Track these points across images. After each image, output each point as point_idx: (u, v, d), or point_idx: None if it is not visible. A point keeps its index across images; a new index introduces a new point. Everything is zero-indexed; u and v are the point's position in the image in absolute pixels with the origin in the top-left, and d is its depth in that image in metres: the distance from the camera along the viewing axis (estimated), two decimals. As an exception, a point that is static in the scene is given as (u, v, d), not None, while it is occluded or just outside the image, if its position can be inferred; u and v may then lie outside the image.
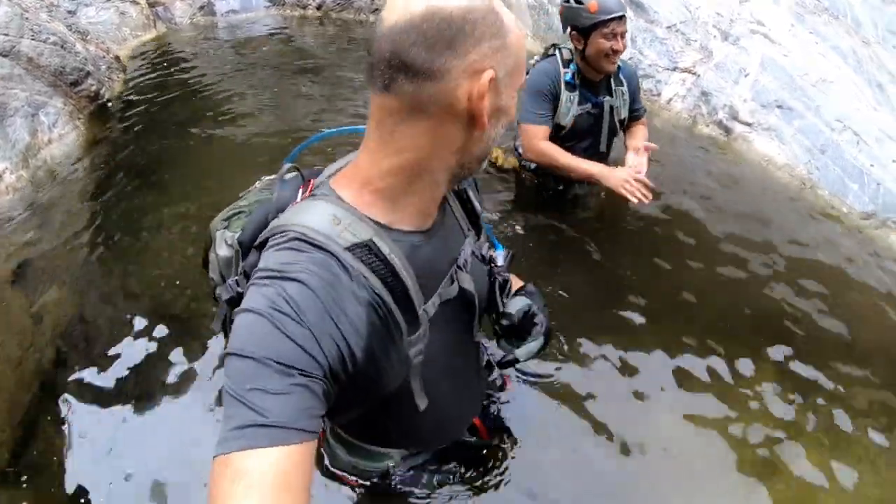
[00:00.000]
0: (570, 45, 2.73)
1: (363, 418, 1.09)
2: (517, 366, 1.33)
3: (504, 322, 1.20)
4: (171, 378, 2.20)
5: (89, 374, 2.23)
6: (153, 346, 2.34)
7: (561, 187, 3.04)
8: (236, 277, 1.03)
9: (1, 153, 3.42)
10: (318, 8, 6.69)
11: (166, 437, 1.99)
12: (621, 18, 2.53)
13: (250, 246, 0.98)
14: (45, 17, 4.43)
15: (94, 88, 4.37)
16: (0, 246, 2.92)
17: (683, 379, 2.23)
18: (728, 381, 2.23)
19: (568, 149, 2.74)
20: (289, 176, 1.04)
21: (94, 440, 1.98)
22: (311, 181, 1.01)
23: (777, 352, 2.38)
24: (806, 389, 2.23)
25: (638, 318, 2.49)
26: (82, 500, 1.78)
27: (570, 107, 2.70)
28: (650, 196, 2.44)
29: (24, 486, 1.83)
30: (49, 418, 2.07)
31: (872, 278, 2.98)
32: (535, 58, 2.86)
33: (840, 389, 2.24)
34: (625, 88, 2.81)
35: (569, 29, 2.66)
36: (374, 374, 0.93)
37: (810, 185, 3.70)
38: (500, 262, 1.25)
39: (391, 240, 0.91)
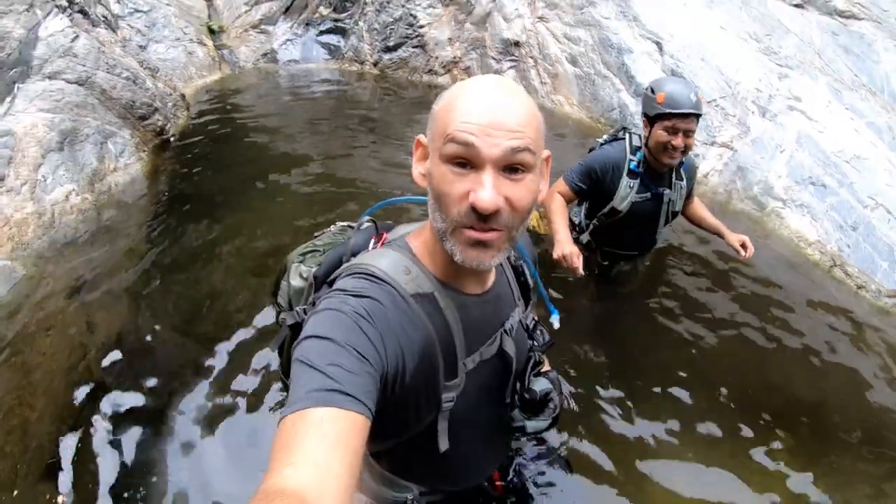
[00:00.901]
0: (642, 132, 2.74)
1: (392, 451, 1.19)
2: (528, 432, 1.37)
3: (525, 395, 1.26)
4: (204, 401, 2.40)
5: (132, 387, 2.45)
6: (193, 368, 2.56)
7: (606, 262, 3.13)
8: (304, 306, 1.16)
9: (69, 175, 3.78)
10: (375, 65, 7.12)
11: (190, 457, 2.19)
12: (687, 116, 2.49)
13: (323, 281, 1.14)
14: (120, 51, 4.83)
15: (160, 123, 4.76)
16: (62, 261, 3.27)
17: (702, 459, 2.30)
18: (748, 459, 2.32)
19: (621, 232, 2.88)
20: (365, 226, 1.20)
21: (128, 447, 2.20)
22: (385, 234, 1.17)
23: (797, 437, 2.45)
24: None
25: (659, 396, 2.59)
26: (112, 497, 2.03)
27: (630, 193, 2.72)
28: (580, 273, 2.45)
29: (63, 479, 2.08)
30: (92, 422, 2.29)
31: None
32: (605, 136, 2.91)
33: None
34: (684, 183, 2.82)
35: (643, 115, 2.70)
36: (412, 406, 1.03)
37: (840, 262, 3.75)
38: (556, 325, 1.42)
39: (449, 296, 1.05)
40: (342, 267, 1.08)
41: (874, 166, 4.14)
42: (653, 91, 2.58)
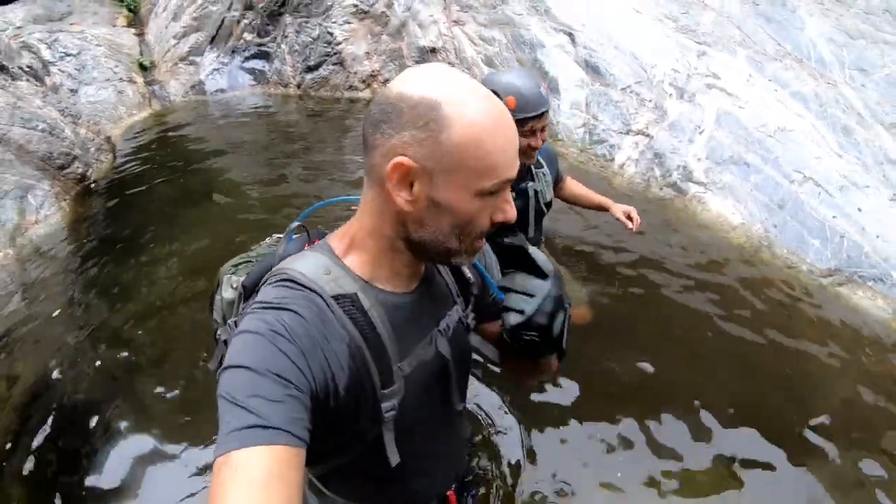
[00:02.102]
0: None
1: (339, 471, 1.13)
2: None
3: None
4: (138, 447, 2.34)
5: (57, 436, 2.40)
6: (124, 414, 2.51)
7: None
8: (236, 318, 1.12)
9: None
10: (298, 86, 6.94)
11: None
12: (541, 115, 2.31)
13: (252, 290, 1.07)
14: (39, 103, 4.81)
15: (80, 171, 4.66)
16: None
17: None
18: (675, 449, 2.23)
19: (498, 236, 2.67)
20: (296, 235, 1.14)
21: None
22: (316, 241, 1.10)
23: (735, 435, 2.32)
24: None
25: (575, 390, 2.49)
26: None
27: None
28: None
29: None
30: (13, 481, 2.22)
31: (838, 343, 2.81)
32: None
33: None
34: (545, 170, 2.67)
35: None
36: (350, 420, 0.97)
37: (767, 243, 3.48)
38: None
39: (374, 296, 0.98)
40: (267, 274, 1.03)
41: (801, 138, 3.87)
42: (500, 97, 2.34)
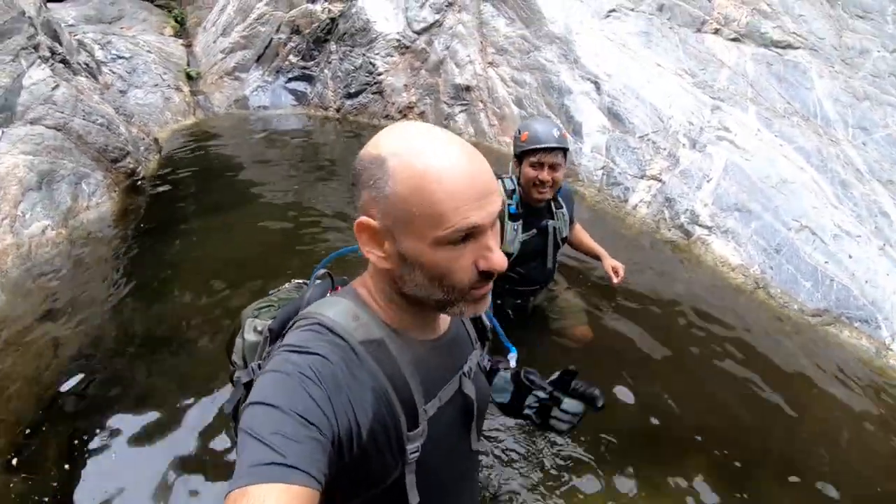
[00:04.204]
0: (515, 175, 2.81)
1: None
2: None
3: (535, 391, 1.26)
4: (161, 415, 2.61)
5: (89, 403, 2.71)
6: (153, 381, 2.84)
7: (519, 301, 3.09)
8: (259, 362, 1.11)
9: (46, 212, 4.16)
10: (338, 110, 7.39)
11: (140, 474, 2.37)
12: (551, 151, 2.59)
13: (279, 333, 1.07)
14: (97, 98, 5.22)
15: (131, 166, 5.09)
16: (37, 288, 3.62)
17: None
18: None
19: (516, 271, 2.86)
20: (319, 281, 1.15)
21: (81, 457, 2.43)
22: (339, 288, 1.13)
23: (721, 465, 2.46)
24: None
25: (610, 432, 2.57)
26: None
27: (516, 235, 2.77)
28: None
29: (23, 477, 2.33)
30: (50, 428, 2.56)
31: (823, 379, 3.06)
32: None
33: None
34: (564, 210, 2.92)
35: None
36: (374, 462, 0.97)
37: (763, 284, 3.80)
38: (511, 363, 1.37)
39: (401, 342, 1.01)
40: (295, 317, 1.05)
41: (800, 189, 4.22)
42: (519, 132, 2.71)
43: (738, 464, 2.48)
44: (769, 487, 2.39)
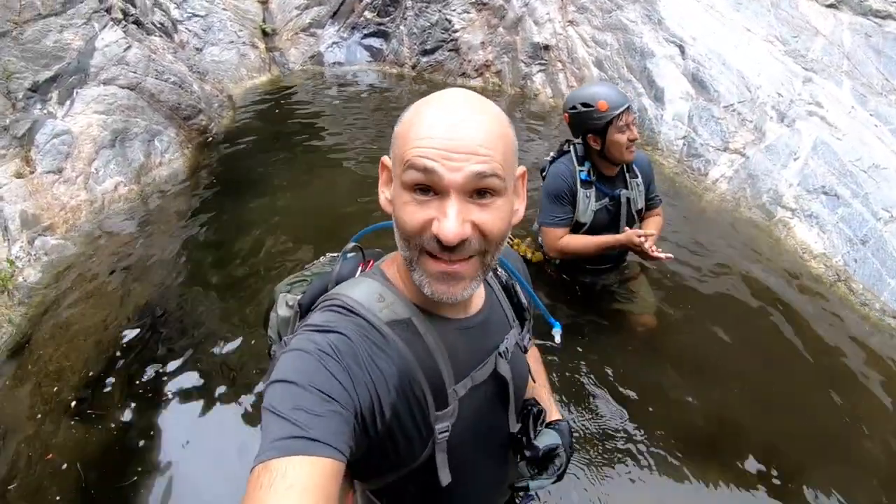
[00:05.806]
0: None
1: (392, 487, 1.12)
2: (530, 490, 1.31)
3: (527, 453, 1.23)
4: (220, 374, 2.79)
5: (152, 349, 2.93)
6: (214, 337, 2.99)
7: (588, 279, 3.05)
8: (291, 336, 1.09)
9: (119, 169, 4.40)
10: (413, 67, 7.35)
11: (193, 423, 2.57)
12: (629, 108, 2.62)
13: (308, 309, 1.11)
14: (171, 58, 5.43)
15: (203, 123, 5.31)
16: (110, 243, 3.86)
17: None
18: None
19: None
20: (351, 254, 1.17)
21: (143, 398, 2.65)
22: (371, 261, 1.14)
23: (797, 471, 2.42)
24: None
25: (669, 423, 2.58)
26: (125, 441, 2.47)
27: (589, 203, 2.74)
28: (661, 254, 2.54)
29: (84, 422, 2.55)
30: (113, 376, 2.78)
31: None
32: (552, 154, 2.90)
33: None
34: (639, 180, 2.86)
35: (584, 133, 2.71)
36: (401, 439, 0.99)
37: (845, 277, 3.64)
38: (557, 339, 1.34)
39: (429, 322, 1.01)
40: (321, 297, 1.06)
41: (893, 176, 4.00)
42: (589, 105, 2.63)
43: (793, 474, 2.42)
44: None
